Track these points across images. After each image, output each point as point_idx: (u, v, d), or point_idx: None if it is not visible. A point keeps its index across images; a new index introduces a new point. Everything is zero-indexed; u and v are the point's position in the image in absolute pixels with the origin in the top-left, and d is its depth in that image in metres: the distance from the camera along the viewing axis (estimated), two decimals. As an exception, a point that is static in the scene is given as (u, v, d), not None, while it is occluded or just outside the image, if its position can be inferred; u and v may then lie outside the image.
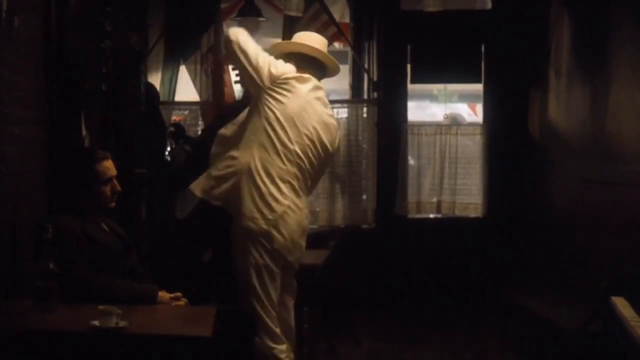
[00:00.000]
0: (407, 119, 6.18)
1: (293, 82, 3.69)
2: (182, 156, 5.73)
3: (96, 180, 3.24)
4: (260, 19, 6.22)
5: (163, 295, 3.16)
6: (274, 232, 3.59)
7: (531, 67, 5.94)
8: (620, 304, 3.26)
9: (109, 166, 3.29)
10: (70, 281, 2.94)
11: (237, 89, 6.56)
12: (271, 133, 3.62)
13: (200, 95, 5.98)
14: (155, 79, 6.10)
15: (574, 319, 4.03)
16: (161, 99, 5.98)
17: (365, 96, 6.29)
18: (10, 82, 3.22)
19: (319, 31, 6.19)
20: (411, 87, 6.21)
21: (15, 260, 3.26)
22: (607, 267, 4.31)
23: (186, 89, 6.38)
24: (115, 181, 3.32)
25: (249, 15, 6.18)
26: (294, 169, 3.64)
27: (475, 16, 6.22)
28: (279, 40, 5.37)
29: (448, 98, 8.52)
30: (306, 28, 6.08)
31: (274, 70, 3.66)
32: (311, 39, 3.90)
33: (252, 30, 6.22)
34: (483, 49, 6.14)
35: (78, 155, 3.49)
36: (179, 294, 3.20)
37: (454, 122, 6.88)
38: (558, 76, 5.43)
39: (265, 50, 3.81)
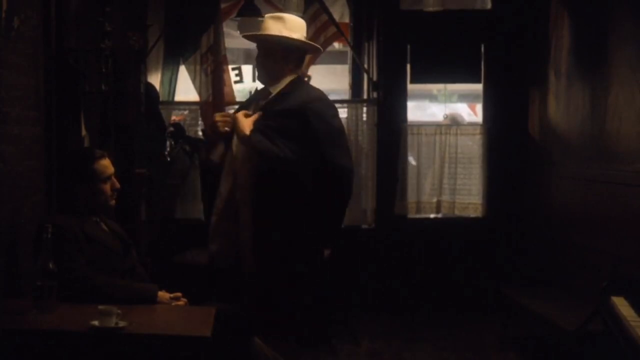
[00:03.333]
0: (407, 119, 6.17)
1: None
2: (182, 156, 5.74)
3: (96, 179, 3.25)
4: (260, 19, 6.21)
5: (163, 295, 3.16)
6: None
7: (531, 67, 5.94)
8: (620, 304, 3.26)
9: (107, 164, 3.31)
10: (70, 281, 2.95)
11: (237, 89, 6.56)
12: None
13: (200, 95, 5.98)
14: (155, 79, 6.10)
15: (574, 319, 4.03)
16: (161, 98, 5.98)
17: (365, 96, 6.28)
18: (10, 82, 3.22)
19: (318, 31, 6.22)
20: (411, 87, 6.20)
21: (15, 260, 3.26)
22: (607, 267, 4.31)
23: (186, 89, 6.38)
24: (114, 179, 3.35)
25: (249, 15, 6.17)
26: None
27: (475, 16, 6.21)
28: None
29: (448, 98, 8.53)
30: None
31: None
32: (263, 25, 3.88)
33: (252, 31, 6.23)
34: (483, 49, 6.13)
35: (76, 155, 3.51)
36: (178, 294, 3.21)
37: (454, 122, 6.88)
38: (558, 76, 5.43)
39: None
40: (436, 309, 5.91)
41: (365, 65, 6.27)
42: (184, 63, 6.07)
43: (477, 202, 6.10)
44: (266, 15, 3.94)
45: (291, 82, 3.86)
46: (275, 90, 3.82)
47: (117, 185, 3.37)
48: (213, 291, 3.81)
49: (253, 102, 3.96)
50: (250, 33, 4.10)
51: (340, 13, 6.49)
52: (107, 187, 3.30)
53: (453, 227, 6.20)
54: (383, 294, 5.96)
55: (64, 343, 2.64)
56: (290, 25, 3.82)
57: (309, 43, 3.95)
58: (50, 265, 2.79)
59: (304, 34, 3.88)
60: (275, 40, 3.79)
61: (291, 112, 3.70)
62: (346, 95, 6.74)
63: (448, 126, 6.26)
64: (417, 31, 6.06)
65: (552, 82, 5.53)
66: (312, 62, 6.21)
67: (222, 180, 3.81)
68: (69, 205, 3.28)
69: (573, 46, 5.20)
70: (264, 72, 3.85)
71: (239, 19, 6.32)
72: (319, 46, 4.12)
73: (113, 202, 3.36)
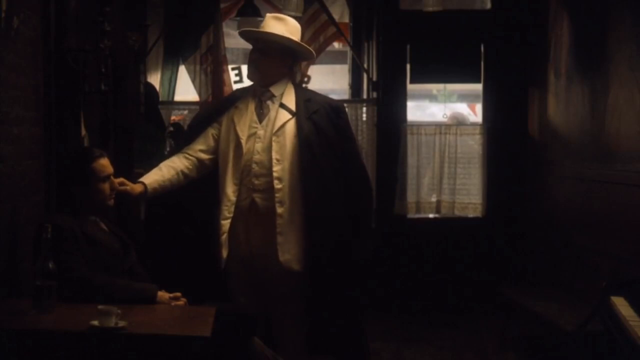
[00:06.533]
0: (407, 118, 6.17)
1: None
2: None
3: (93, 178, 3.25)
4: (260, 19, 6.21)
5: (162, 294, 3.16)
6: None
7: (530, 67, 5.95)
8: (620, 304, 3.26)
9: (105, 164, 3.30)
10: (69, 281, 2.95)
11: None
12: None
13: (200, 95, 5.98)
14: (155, 79, 6.10)
15: (574, 319, 4.03)
16: (160, 98, 5.98)
17: (365, 96, 6.28)
18: (10, 81, 3.22)
19: (318, 31, 6.22)
20: (410, 87, 6.20)
21: (15, 260, 3.26)
22: (607, 267, 4.31)
23: (185, 89, 6.38)
24: (112, 179, 3.34)
25: (248, 15, 6.17)
26: None
27: (474, 16, 6.21)
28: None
29: (447, 98, 8.51)
30: (305, 28, 6.08)
31: None
32: (264, 24, 3.89)
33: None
34: (482, 49, 6.13)
35: (75, 154, 3.50)
36: (178, 294, 3.20)
37: (455, 122, 6.87)
38: (557, 76, 5.43)
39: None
40: (436, 309, 5.91)
41: (365, 65, 6.27)
42: (183, 63, 6.07)
43: (477, 202, 6.11)
44: (268, 15, 3.92)
45: (298, 87, 3.96)
46: (278, 91, 3.84)
47: (116, 185, 3.37)
48: (223, 293, 3.83)
49: (246, 97, 3.93)
50: (253, 29, 4.07)
51: (340, 13, 6.49)
52: (105, 186, 3.29)
53: (453, 227, 6.20)
54: (382, 293, 5.96)
55: (63, 343, 2.64)
56: (291, 28, 3.85)
57: (307, 48, 3.98)
58: (50, 265, 2.79)
59: (299, 38, 3.91)
60: (278, 40, 3.80)
61: (328, 116, 3.85)
62: (346, 95, 6.74)
63: (448, 126, 6.26)
64: (417, 31, 6.06)
65: (552, 82, 5.53)
66: (312, 62, 6.20)
67: (226, 183, 3.79)
68: (68, 205, 3.28)
69: (573, 46, 5.20)
70: (260, 71, 3.84)
71: (238, 18, 6.32)
72: (313, 52, 4.15)
73: (111, 202, 3.35)
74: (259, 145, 3.77)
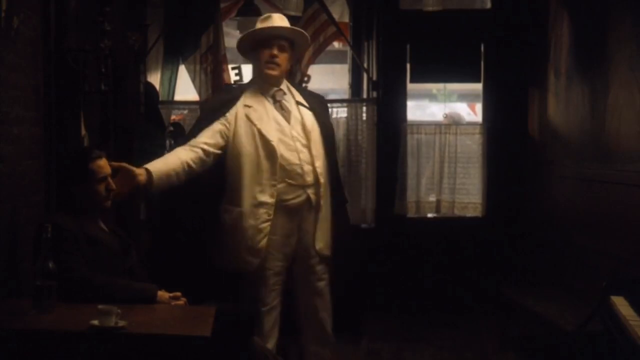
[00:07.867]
0: (407, 118, 6.17)
1: None
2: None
3: (90, 179, 3.24)
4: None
5: (162, 294, 3.16)
6: None
7: (530, 66, 5.94)
8: (620, 303, 3.26)
9: (102, 165, 3.29)
10: (69, 280, 2.95)
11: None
12: None
13: (200, 94, 5.98)
14: (155, 79, 6.09)
15: (574, 319, 4.03)
16: (160, 98, 5.97)
17: (365, 96, 6.28)
18: (10, 81, 3.22)
19: (318, 31, 6.21)
20: (410, 86, 6.20)
21: (15, 260, 3.26)
22: (607, 267, 4.31)
23: (185, 89, 6.38)
24: (110, 180, 3.32)
25: (248, 15, 6.17)
26: None
27: (474, 16, 6.21)
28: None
29: (447, 97, 8.53)
30: (305, 28, 6.08)
31: None
32: (272, 21, 3.98)
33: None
34: (482, 49, 6.13)
35: (73, 154, 3.50)
36: (178, 294, 3.20)
37: (451, 121, 6.87)
38: (557, 76, 5.43)
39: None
40: (436, 309, 5.91)
41: (365, 65, 6.27)
42: (183, 62, 6.06)
43: (477, 201, 6.10)
44: (273, 14, 4.02)
45: (290, 83, 4.09)
46: (287, 89, 3.98)
47: (113, 186, 3.35)
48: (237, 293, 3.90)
49: (254, 96, 3.96)
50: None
51: (340, 12, 6.48)
52: (101, 187, 3.27)
53: (452, 226, 6.19)
54: (382, 293, 5.96)
55: (63, 343, 2.64)
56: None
57: (308, 42, 4.25)
58: (50, 265, 2.79)
59: None
60: (294, 35, 3.98)
61: (324, 110, 4.20)
62: (346, 95, 6.74)
63: (447, 126, 6.26)
64: (417, 31, 6.07)
65: (552, 82, 5.53)
66: (312, 62, 6.20)
67: (263, 187, 3.82)
68: (68, 205, 3.28)
69: (573, 46, 5.20)
70: (281, 69, 3.95)
71: (238, 18, 6.32)
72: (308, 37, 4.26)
73: (109, 203, 3.34)
74: (299, 144, 3.86)
